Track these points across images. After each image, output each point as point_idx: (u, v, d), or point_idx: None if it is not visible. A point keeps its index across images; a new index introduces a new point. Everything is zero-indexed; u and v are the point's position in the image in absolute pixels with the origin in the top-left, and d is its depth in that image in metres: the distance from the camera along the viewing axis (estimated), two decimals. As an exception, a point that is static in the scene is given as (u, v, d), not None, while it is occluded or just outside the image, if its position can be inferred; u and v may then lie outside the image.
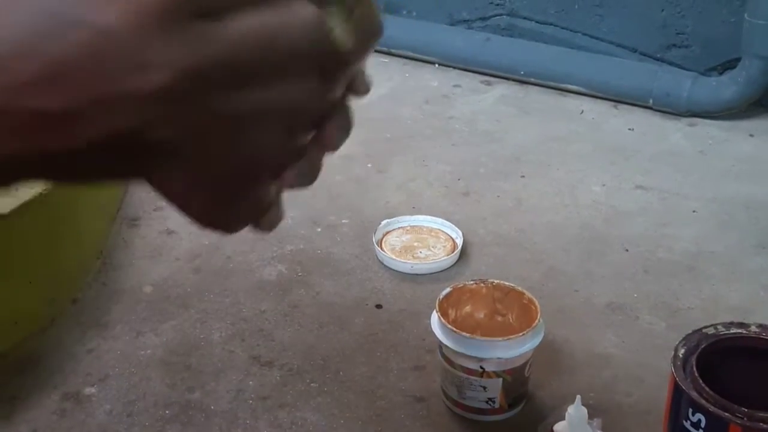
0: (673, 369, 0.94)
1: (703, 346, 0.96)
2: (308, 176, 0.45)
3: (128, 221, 1.60)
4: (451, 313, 1.18)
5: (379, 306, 1.39)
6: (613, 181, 1.74)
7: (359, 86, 0.43)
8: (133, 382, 1.23)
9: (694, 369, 0.92)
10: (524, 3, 2.23)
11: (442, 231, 1.56)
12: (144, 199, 1.66)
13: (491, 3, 2.27)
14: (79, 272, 1.43)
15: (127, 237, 1.55)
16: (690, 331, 0.99)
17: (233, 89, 0.33)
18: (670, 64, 2.07)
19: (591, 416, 1.06)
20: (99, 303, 1.39)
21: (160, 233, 1.57)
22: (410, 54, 2.29)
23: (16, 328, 1.29)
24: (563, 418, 1.06)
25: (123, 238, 1.55)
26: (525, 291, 1.19)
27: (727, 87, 1.96)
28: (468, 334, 1.10)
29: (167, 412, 1.18)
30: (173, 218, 1.61)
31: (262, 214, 0.43)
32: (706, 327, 0.99)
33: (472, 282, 1.21)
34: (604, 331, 1.33)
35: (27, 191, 1.27)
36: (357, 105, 0.43)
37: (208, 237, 1.55)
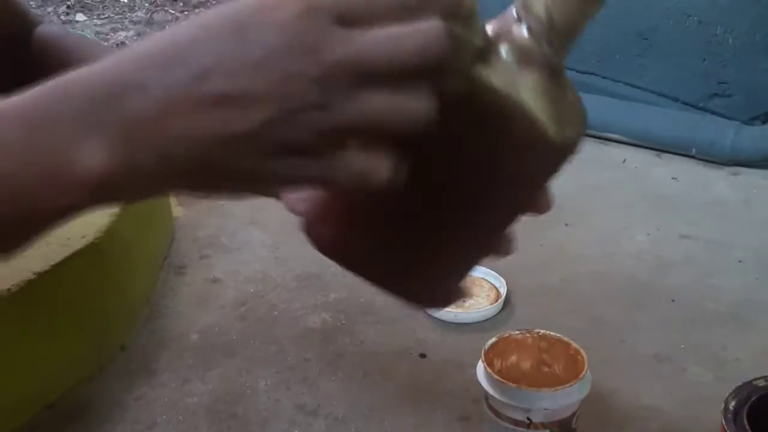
0: (723, 422, 0.93)
1: (753, 399, 0.95)
2: None
3: (175, 269, 1.62)
4: (497, 363, 1.18)
5: (423, 355, 1.39)
6: (658, 230, 1.73)
7: (541, 203, 0.56)
8: (180, 430, 1.24)
9: (745, 422, 0.91)
10: (565, 53, 2.24)
11: (486, 280, 1.56)
12: (190, 247, 1.68)
13: (532, 53, 2.29)
14: (127, 319, 1.44)
15: (174, 285, 1.57)
16: (740, 383, 0.98)
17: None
18: (713, 113, 2.07)
19: (640, 469, 1.05)
20: (147, 350, 1.40)
21: (205, 281, 1.58)
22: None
23: (65, 375, 1.30)
24: (612, 471, 1.05)
25: (170, 286, 1.57)
26: (571, 341, 1.18)
27: (770, 136, 1.96)
28: (514, 385, 1.10)
29: (214, 460, 1.19)
30: (219, 266, 1.62)
31: None
32: (756, 379, 0.98)
33: (517, 332, 1.21)
34: (651, 382, 1.31)
35: (79, 240, 1.30)
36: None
37: (253, 285, 1.57)
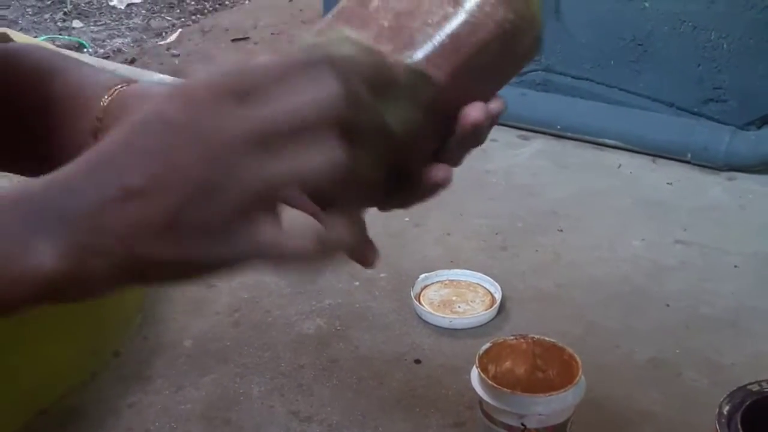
0: (717, 427, 0.92)
1: (747, 404, 0.95)
2: None
3: (169, 275, 1.61)
4: (491, 368, 1.18)
5: (417, 361, 1.39)
6: (653, 235, 1.73)
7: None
8: (173, 437, 1.24)
9: (739, 427, 0.91)
10: (560, 58, 2.24)
11: (481, 285, 1.56)
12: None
13: (527, 59, 2.29)
14: (120, 326, 1.44)
15: (167, 291, 1.57)
16: (734, 388, 0.98)
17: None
18: (708, 118, 2.07)
19: (634, 475, 1.04)
20: (140, 357, 1.40)
21: (199, 287, 1.58)
22: (447, 109, 2.31)
23: (58, 381, 1.30)
24: (606, 477, 1.05)
25: (164, 292, 1.56)
26: (566, 347, 1.18)
27: (765, 141, 1.96)
28: (509, 390, 1.10)
29: (207, 467, 1.18)
30: (213, 272, 1.62)
31: None
32: (750, 384, 0.98)
33: (512, 337, 1.21)
34: (646, 387, 1.31)
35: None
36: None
37: (247, 291, 1.57)
